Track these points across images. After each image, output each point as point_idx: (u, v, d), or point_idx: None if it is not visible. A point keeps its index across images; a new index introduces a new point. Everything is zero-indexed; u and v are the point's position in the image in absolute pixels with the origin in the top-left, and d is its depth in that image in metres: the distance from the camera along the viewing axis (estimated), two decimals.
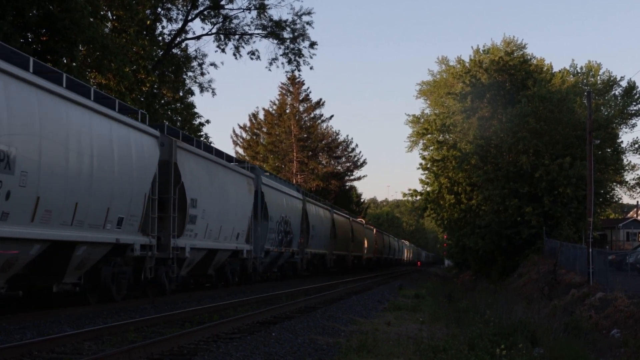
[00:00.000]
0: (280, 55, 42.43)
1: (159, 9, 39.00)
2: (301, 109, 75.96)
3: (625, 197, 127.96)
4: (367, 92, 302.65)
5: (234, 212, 25.34)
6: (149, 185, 18.55)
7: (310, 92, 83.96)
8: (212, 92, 46.62)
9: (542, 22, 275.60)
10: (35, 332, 12.25)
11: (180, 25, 40.46)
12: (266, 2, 41.29)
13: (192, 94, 41.86)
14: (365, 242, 63.24)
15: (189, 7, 40.37)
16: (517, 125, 38.92)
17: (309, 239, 39.17)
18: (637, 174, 63.00)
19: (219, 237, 23.75)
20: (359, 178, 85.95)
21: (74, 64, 25.47)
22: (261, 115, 76.76)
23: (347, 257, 53.04)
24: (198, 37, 41.92)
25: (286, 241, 33.75)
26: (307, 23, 41.89)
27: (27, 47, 23.95)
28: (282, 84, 76.25)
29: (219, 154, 25.26)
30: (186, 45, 42.17)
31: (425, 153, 47.24)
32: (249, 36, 42.22)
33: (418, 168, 46.64)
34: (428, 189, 45.41)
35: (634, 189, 59.16)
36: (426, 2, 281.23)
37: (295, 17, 41.59)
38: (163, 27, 41.37)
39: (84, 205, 15.09)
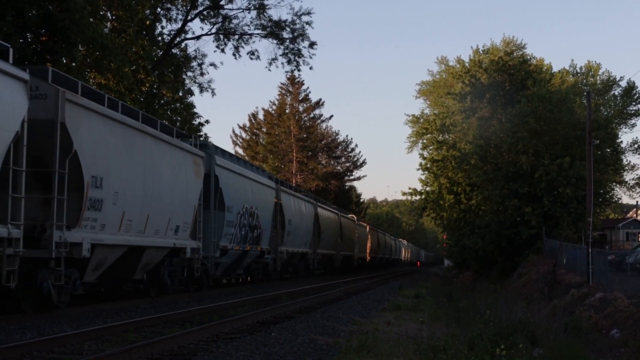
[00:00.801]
0: (280, 55, 42.45)
1: (159, 9, 38.96)
2: (301, 109, 75.98)
3: (625, 197, 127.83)
4: (367, 92, 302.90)
5: (170, 199, 19.73)
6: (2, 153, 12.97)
7: (309, 92, 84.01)
8: (212, 92, 46.57)
9: (542, 22, 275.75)
10: (35, 332, 12.25)
11: (179, 25, 40.46)
12: (266, 2, 41.30)
13: (192, 94, 41.84)
14: (358, 240, 59.01)
15: (188, 7, 40.35)
16: (517, 125, 38.92)
17: (284, 235, 34.16)
18: (637, 174, 63.10)
19: (144, 231, 18.29)
20: (358, 178, 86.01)
21: (74, 64, 25.47)
22: (261, 116, 76.84)
23: (334, 256, 48.79)
24: (198, 37, 41.92)
25: (252, 237, 28.32)
26: (307, 23, 41.90)
27: (27, 47, 23.96)
28: (281, 84, 76.36)
29: (150, 122, 19.39)
30: (186, 45, 42.16)
31: (425, 153, 47.28)
32: (248, 36, 42.22)
33: (418, 169, 46.71)
34: (428, 189, 45.43)
35: (633, 189, 59.26)
36: (426, 2, 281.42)
37: (295, 17, 41.60)
38: (162, 27, 41.39)
39: None
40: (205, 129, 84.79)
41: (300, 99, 75.72)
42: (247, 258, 28.38)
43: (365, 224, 67.69)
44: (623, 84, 57.41)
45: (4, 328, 12.57)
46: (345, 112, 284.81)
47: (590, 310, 19.69)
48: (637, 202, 73.82)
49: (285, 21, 41.77)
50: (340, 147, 79.09)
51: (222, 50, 42.34)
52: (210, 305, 18.20)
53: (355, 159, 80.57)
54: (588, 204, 28.12)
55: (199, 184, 22.11)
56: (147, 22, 36.59)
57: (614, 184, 51.22)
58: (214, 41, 42.18)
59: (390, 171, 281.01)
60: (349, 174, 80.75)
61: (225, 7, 41.25)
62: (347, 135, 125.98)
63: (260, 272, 31.48)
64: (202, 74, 42.72)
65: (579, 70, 58.51)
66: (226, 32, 41.81)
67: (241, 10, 41.96)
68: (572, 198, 36.82)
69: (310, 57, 42.64)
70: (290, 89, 75.83)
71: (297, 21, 41.55)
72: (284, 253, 34.12)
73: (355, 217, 61.59)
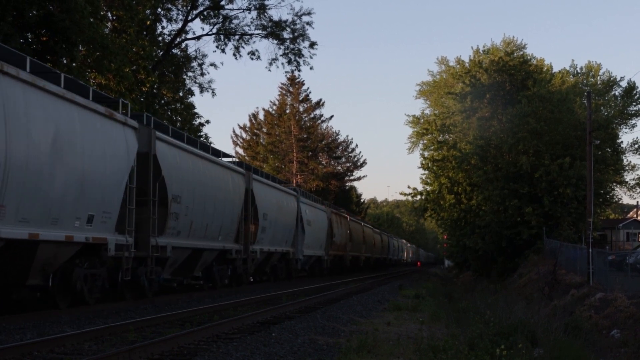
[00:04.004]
0: (280, 55, 42.53)
1: (159, 9, 39.02)
2: (301, 109, 75.97)
3: (625, 198, 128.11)
4: (367, 92, 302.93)
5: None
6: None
7: (310, 92, 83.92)
8: (212, 92, 46.81)
9: (542, 22, 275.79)
10: (35, 332, 12.26)
11: (180, 25, 40.53)
12: (266, 3, 41.40)
13: (192, 94, 41.95)
14: (351, 239, 54.64)
15: (188, 8, 40.41)
16: (517, 125, 38.92)
17: (258, 232, 29.52)
18: (637, 174, 63.19)
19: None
20: (359, 178, 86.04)
21: (74, 64, 25.49)
22: (261, 116, 76.85)
23: (323, 258, 44.28)
24: (198, 38, 41.98)
25: (211, 232, 24.07)
26: (307, 23, 42.00)
27: (27, 47, 23.96)
28: (282, 84, 76.34)
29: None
30: (186, 45, 42.27)
31: (426, 153, 47.29)
32: (248, 36, 42.27)
33: (419, 167, 46.68)
34: (428, 188, 45.43)
35: (633, 189, 59.20)
36: (426, 2, 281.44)
37: (295, 18, 41.69)
38: (163, 28, 41.61)
39: None
40: (205, 129, 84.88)
41: (300, 99, 75.73)
42: (203, 257, 23.36)
43: (360, 222, 63.37)
44: (623, 84, 57.39)
45: (4, 328, 12.58)
46: (345, 112, 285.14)
47: (591, 311, 19.69)
48: (637, 202, 73.85)
49: (285, 21, 41.88)
50: (340, 147, 79.11)
51: (223, 51, 42.45)
52: (210, 305, 18.21)
53: (356, 159, 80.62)
54: (588, 204, 28.13)
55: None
56: (148, 23, 36.64)
57: (614, 184, 51.17)
58: (214, 41, 42.30)
59: (390, 171, 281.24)
60: (349, 174, 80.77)
61: (226, 7, 41.37)
62: (347, 136, 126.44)
63: (225, 275, 26.30)
64: (202, 74, 42.86)
65: (579, 71, 58.51)
66: (226, 33, 41.87)
67: (241, 10, 42.09)
68: (573, 198, 36.81)
69: (311, 57, 42.83)
70: (291, 89, 75.85)
71: (298, 21, 41.67)
72: (256, 253, 29.03)
73: (346, 212, 56.92)
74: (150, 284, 19.33)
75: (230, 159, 27.98)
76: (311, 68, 59.77)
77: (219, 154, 26.14)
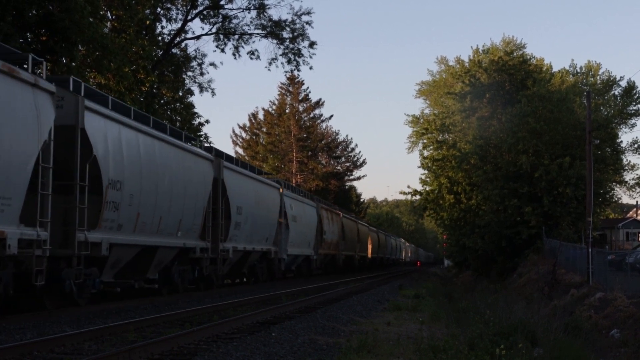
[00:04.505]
0: (280, 55, 42.50)
1: (159, 9, 39.01)
2: (301, 108, 76.01)
3: (625, 197, 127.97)
4: (367, 91, 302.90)
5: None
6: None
7: (309, 92, 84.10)
8: (212, 92, 46.80)
9: (542, 22, 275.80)
10: (35, 332, 12.25)
11: (179, 25, 40.50)
12: (266, 2, 41.37)
13: (192, 94, 41.92)
14: (344, 237, 51.15)
15: (188, 7, 40.39)
16: (517, 125, 38.93)
17: (230, 228, 25.89)
18: (637, 174, 63.15)
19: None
20: (358, 178, 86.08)
21: (74, 64, 25.49)
22: (261, 115, 76.89)
23: (311, 257, 40.90)
24: (197, 37, 41.96)
25: (168, 226, 20.36)
26: (307, 23, 41.96)
27: (26, 47, 23.96)
28: (281, 84, 76.39)
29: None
30: (186, 45, 42.24)
31: (425, 152, 47.33)
32: (248, 36, 42.26)
33: (419, 167, 46.71)
34: (428, 188, 45.44)
35: (633, 189, 59.27)
36: (426, 2, 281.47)
37: (295, 17, 41.66)
38: (162, 27, 41.56)
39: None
40: (205, 129, 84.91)
41: (300, 98, 75.76)
42: (157, 257, 19.77)
43: (354, 219, 59.48)
44: (623, 83, 57.47)
45: (4, 328, 12.57)
46: (345, 112, 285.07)
47: (590, 310, 19.70)
48: (637, 202, 73.89)
49: (285, 21, 41.86)
50: (340, 147, 79.15)
51: (222, 50, 42.43)
52: (210, 305, 18.19)
53: (355, 158, 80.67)
54: (588, 203, 28.13)
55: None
56: (147, 22, 36.62)
57: (614, 183, 51.23)
58: (214, 41, 42.27)
59: (390, 171, 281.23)
60: (349, 173, 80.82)
61: (225, 7, 41.35)
62: (347, 135, 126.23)
63: (188, 277, 22.87)
64: (202, 74, 42.84)
65: (579, 70, 58.55)
66: (226, 32, 41.85)
67: (241, 10, 42.10)
68: (572, 198, 36.83)
69: (310, 57, 42.75)
70: (290, 89, 75.88)
71: (297, 21, 41.65)
72: (228, 252, 25.42)
73: (339, 208, 53.63)
74: (81, 289, 16.10)
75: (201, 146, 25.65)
76: (311, 68, 59.64)
77: (180, 136, 21.92)
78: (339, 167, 79.38)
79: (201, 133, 41.11)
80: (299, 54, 42.29)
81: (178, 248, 21.08)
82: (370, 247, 66.46)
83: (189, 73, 42.16)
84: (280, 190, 33.76)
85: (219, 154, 25.41)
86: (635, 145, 57.34)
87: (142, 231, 18.44)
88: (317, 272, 43.17)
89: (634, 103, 56.79)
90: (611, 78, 58.67)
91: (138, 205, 18.03)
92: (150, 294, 21.39)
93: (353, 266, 56.63)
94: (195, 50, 49.61)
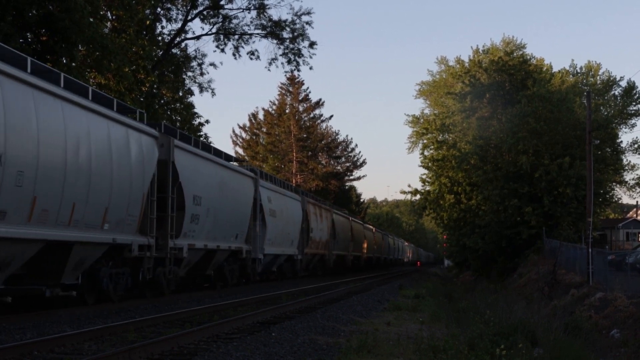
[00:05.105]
0: (280, 55, 42.51)
1: (159, 9, 39.01)
2: (301, 109, 75.99)
3: (625, 197, 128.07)
4: (367, 92, 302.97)
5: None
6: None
7: (309, 92, 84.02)
8: (212, 92, 46.78)
9: (542, 22, 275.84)
10: (35, 332, 12.25)
11: (179, 25, 40.52)
12: (266, 2, 41.39)
13: (192, 94, 41.97)
14: (335, 235, 46.94)
15: (188, 7, 40.40)
16: (517, 125, 38.93)
17: (184, 222, 20.91)
18: (637, 174, 63.16)
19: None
20: (358, 178, 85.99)
21: (74, 64, 25.49)
22: (261, 116, 76.85)
23: (295, 257, 36.65)
24: (198, 37, 41.98)
25: (93, 217, 16.12)
26: (307, 23, 41.97)
27: (26, 47, 23.97)
28: (281, 84, 76.34)
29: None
30: (186, 45, 42.27)
31: (426, 152, 47.33)
32: (248, 36, 42.27)
33: (420, 166, 46.69)
34: (428, 188, 45.45)
35: (633, 189, 59.25)
36: (426, 2, 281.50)
37: (295, 17, 41.67)
38: (163, 27, 41.57)
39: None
40: (205, 129, 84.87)
41: (300, 99, 75.75)
42: (72, 257, 15.28)
43: (346, 215, 55.04)
44: (623, 84, 57.47)
45: (4, 328, 12.57)
46: (345, 112, 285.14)
47: (590, 310, 19.70)
48: (637, 202, 73.88)
49: (285, 21, 41.86)
50: (340, 147, 79.10)
51: (222, 50, 42.44)
52: (210, 305, 18.19)
53: (355, 159, 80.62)
54: (588, 204, 28.13)
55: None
56: (147, 22, 36.62)
57: (614, 184, 51.23)
58: (214, 41, 42.29)
59: (390, 171, 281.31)
60: (349, 174, 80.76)
61: (225, 7, 41.36)
62: (347, 135, 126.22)
63: (121, 281, 18.16)
64: (202, 74, 42.87)
65: (579, 70, 58.56)
66: (226, 32, 41.87)
67: (241, 10, 42.08)
68: (572, 198, 36.83)
69: (310, 57, 42.75)
70: (290, 89, 75.86)
71: (297, 21, 41.66)
72: (182, 249, 20.77)
73: (330, 204, 49.75)
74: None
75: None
76: (311, 68, 59.72)
77: (110, 103, 17.51)
78: (339, 167, 79.36)
79: (201, 133, 41.12)
80: (299, 54, 42.32)
81: (107, 245, 16.72)
82: (365, 246, 62.77)
83: (189, 73, 42.23)
84: (255, 179, 28.93)
85: (170, 132, 20.73)
86: (635, 145, 57.35)
87: (43, 224, 13.99)
88: (303, 273, 39.46)
89: (634, 103, 56.79)
90: (611, 78, 58.69)
91: (34, 189, 13.52)
92: (53, 307, 16.43)
93: (346, 267, 53.04)
94: (195, 51, 49.68)
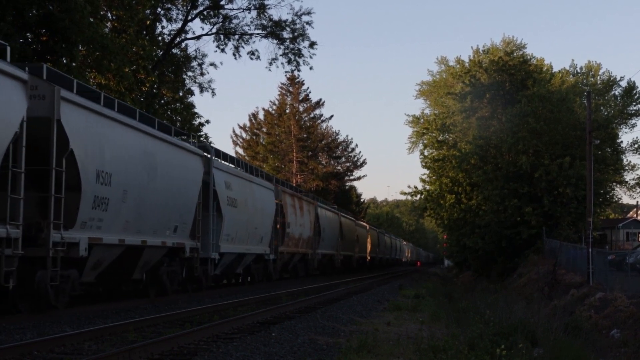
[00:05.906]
0: (280, 55, 42.50)
1: (159, 9, 39.00)
2: (301, 109, 75.99)
3: (625, 197, 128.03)
4: (367, 92, 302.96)
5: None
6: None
7: (310, 92, 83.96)
8: (212, 92, 46.76)
9: (542, 22, 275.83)
10: (35, 332, 12.25)
11: (180, 25, 40.50)
12: (266, 2, 41.38)
13: (192, 94, 41.92)
14: (319, 232, 42.41)
15: (188, 7, 40.39)
16: (517, 125, 38.94)
17: (80, 206, 15.29)
18: (637, 174, 63.07)
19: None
20: (358, 178, 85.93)
21: (74, 64, 25.49)
22: (261, 115, 76.85)
23: (266, 257, 30.98)
24: (198, 37, 41.96)
25: None
26: (307, 23, 41.96)
27: (27, 47, 23.97)
28: (281, 84, 76.36)
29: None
30: (186, 45, 42.23)
31: (426, 152, 47.34)
32: (248, 36, 42.25)
33: (423, 166, 46.66)
34: (428, 187, 45.44)
35: (633, 189, 59.24)
36: (426, 2, 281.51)
37: (295, 17, 41.66)
38: (163, 27, 41.50)
39: None
40: (205, 129, 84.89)
41: (300, 99, 75.75)
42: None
43: (335, 211, 50.36)
44: (623, 84, 57.41)
45: (4, 328, 12.57)
46: (345, 112, 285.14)
47: (591, 310, 19.70)
48: (637, 202, 73.86)
49: (285, 21, 41.85)
50: (340, 147, 79.09)
51: (222, 50, 42.43)
52: (210, 305, 18.19)
53: (356, 159, 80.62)
54: (588, 203, 28.13)
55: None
56: (147, 22, 36.62)
57: (614, 184, 51.21)
58: (214, 41, 42.28)
59: (390, 171, 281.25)
60: (349, 174, 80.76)
61: (226, 7, 41.35)
62: (347, 135, 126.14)
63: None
64: (202, 74, 42.84)
65: (579, 70, 58.54)
66: (226, 32, 41.85)
67: (241, 10, 42.04)
68: (572, 198, 36.84)
69: (311, 57, 42.74)
70: (291, 89, 75.87)
71: (297, 21, 41.65)
72: (78, 245, 15.22)
73: (313, 197, 45.31)
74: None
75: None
76: (311, 68, 59.67)
77: None
78: (339, 167, 79.35)
79: (201, 133, 41.13)
80: (299, 54, 42.31)
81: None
82: (358, 245, 57.81)
83: (189, 73, 42.19)
84: (207, 158, 23.55)
85: (53, 77, 15.04)
86: (636, 145, 57.32)
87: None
88: (278, 276, 34.66)
89: (634, 103, 56.76)
90: (611, 78, 58.66)
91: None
92: None
93: (335, 268, 47.59)
94: (196, 51, 49.64)
